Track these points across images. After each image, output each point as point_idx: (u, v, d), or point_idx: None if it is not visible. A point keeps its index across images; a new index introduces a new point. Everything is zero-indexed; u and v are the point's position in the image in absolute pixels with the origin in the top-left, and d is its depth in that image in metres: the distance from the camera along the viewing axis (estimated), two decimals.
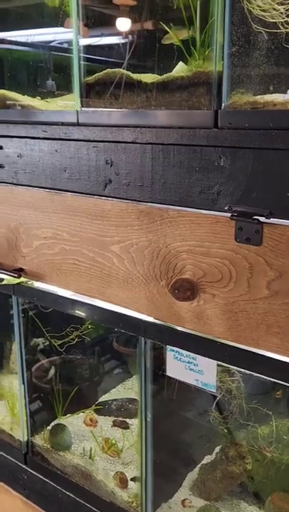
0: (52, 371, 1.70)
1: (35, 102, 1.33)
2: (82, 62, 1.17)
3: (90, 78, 1.17)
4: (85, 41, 1.23)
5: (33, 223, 1.30)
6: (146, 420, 1.21)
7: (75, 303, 1.28)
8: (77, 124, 1.17)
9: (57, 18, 1.36)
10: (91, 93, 1.19)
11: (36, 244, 1.31)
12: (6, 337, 1.95)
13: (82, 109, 1.18)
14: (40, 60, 1.50)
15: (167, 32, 1.20)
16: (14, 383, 1.75)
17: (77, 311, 1.28)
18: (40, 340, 1.86)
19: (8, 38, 1.49)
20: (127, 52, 1.21)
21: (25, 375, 1.54)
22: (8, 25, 1.48)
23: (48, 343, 1.70)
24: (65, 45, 1.43)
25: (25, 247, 1.34)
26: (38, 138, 1.22)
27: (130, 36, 1.25)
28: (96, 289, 1.21)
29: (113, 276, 1.16)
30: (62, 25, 1.37)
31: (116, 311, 1.19)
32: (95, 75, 1.15)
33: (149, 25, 1.29)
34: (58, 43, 1.45)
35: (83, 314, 1.29)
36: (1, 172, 1.33)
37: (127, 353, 1.83)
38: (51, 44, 1.44)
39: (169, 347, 1.12)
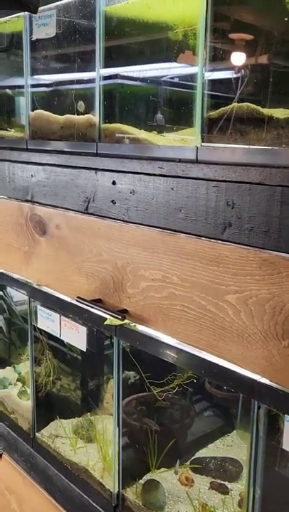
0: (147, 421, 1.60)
1: (152, 137, 1.27)
2: (205, 97, 1.09)
3: (214, 113, 1.08)
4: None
5: (142, 263, 1.22)
6: (254, 496, 1.07)
7: (180, 353, 1.17)
8: (196, 162, 1.09)
9: (170, 53, 1.31)
10: (213, 128, 1.10)
11: (143, 286, 1.23)
12: (100, 375, 1.89)
13: (203, 145, 1.09)
14: (152, 95, 1.46)
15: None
16: (108, 426, 1.67)
17: (182, 363, 1.17)
18: (131, 373, 1.79)
19: (121, 73, 1.46)
20: (240, 87, 1.13)
21: (120, 418, 1.45)
22: (121, 60, 1.46)
23: (138, 377, 1.61)
24: (176, 79, 1.39)
25: (132, 287, 1.26)
26: (154, 174, 1.15)
27: (247, 70, 1.17)
28: (206, 341, 1.10)
29: (226, 329, 1.05)
30: (175, 60, 1.33)
31: (226, 367, 1.07)
32: (220, 109, 1.07)
33: (266, 58, 1.20)
34: (170, 78, 1.41)
35: (188, 366, 1.18)
36: (112, 208, 1.27)
37: (221, 395, 1.69)
38: (164, 79, 1.40)
39: (287, 417, 0.98)
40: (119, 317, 1.25)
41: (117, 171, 1.25)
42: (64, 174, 1.41)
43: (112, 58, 1.38)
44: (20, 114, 1.88)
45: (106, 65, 1.36)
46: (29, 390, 1.94)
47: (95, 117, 1.38)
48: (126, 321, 1.28)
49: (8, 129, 1.79)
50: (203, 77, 1.09)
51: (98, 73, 1.35)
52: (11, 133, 1.76)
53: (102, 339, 1.69)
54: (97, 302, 1.35)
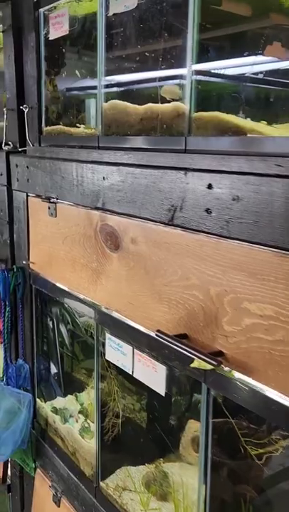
0: None
1: (262, 128, 0.97)
2: None
3: None
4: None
5: (246, 293, 0.92)
6: None
7: None
8: None
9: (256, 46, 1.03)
10: None
11: (247, 323, 0.93)
12: (176, 413, 1.60)
13: None
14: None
15: None
16: (187, 481, 1.38)
17: None
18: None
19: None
20: None
21: (208, 473, 1.15)
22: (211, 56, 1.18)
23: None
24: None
25: (230, 323, 0.97)
26: (268, 175, 0.85)
27: None
28: None
29: None
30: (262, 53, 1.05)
31: None
32: None
33: None
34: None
35: None
36: (206, 219, 0.98)
37: None
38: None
39: None
40: (215, 363, 0.95)
41: (215, 171, 0.96)
42: (144, 176, 1.13)
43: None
44: (91, 107, 1.64)
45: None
46: (92, 426, 1.68)
47: (184, 105, 1.10)
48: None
49: (78, 125, 1.55)
50: None
51: (191, 49, 1.06)
52: (81, 129, 1.51)
53: (185, 380, 1.39)
54: (182, 338, 1.06)
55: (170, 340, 1.05)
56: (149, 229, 1.15)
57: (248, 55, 1.10)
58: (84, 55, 1.58)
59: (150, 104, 1.20)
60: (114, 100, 1.31)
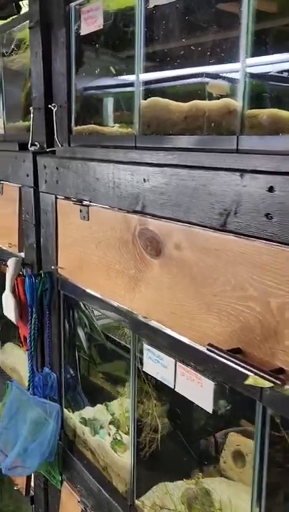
0: None
1: None
2: None
3: None
4: None
5: None
6: None
7: None
8: None
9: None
10: None
11: None
12: (214, 424, 1.53)
13: None
14: None
15: None
16: (231, 495, 1.30)
17: None
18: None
19: None
20: None
21: (263, 495, 1.07)
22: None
23: None
24: None
25: None
26: None
27: None
28: None
29: None
30: None
31: None
32: None
33: None
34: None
35: None
36: (266, 225, 0.90)
37: None
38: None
39: None
40: (279, 382, 0.87)
41: (277, 172, 0.88)
42: (191, 178, 1.06)
43: None
44: (109, 105, 1.58)
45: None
46: (125, 438, 1.61)
47: (235, 101, 1.02)
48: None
49: (111, 124, 1.47)
50: None
51: (245, 41, 0.98)
52: (115, 129, 1.44)
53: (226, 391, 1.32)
54: (236, 353, 0.99)
55: (224, 355, 0.97)
56: (196, 234, 1.08)
57: None
58: (118, 52, 1.50)
59: (196, 101, 1.13)
60: (154, 97, 1.24)
